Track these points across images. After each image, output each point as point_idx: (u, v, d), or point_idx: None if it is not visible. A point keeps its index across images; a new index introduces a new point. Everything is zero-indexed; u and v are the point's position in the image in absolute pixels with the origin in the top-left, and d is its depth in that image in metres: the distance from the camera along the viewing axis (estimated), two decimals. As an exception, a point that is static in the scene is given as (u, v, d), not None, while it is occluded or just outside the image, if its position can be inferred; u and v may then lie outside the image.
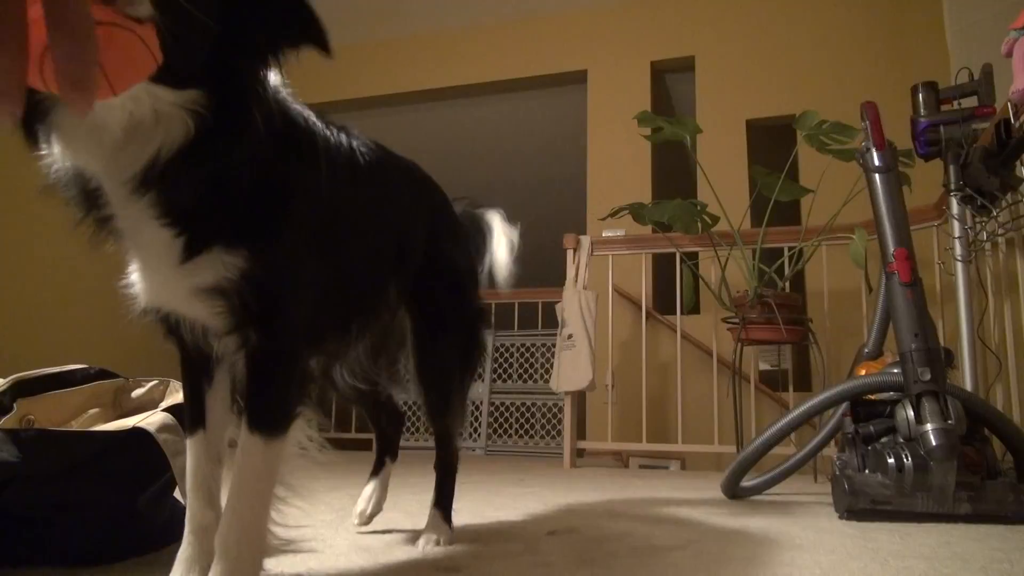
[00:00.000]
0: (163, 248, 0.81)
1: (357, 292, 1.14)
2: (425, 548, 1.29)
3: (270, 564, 1.15)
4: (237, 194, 0.83)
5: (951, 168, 2.44)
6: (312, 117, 1.01)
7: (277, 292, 0.86)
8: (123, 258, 0.89)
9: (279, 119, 0.89)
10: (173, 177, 0.76)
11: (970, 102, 2.44)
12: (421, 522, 1.66)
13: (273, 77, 0.85)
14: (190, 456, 0.97)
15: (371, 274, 1.17)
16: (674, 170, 5.25)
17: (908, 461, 1.82)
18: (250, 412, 0.87)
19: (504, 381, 5.10)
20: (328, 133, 1.03)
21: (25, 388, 1.27)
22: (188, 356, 0.98)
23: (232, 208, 0.83)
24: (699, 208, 3.66)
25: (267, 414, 0.88)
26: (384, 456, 1.58)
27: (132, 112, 0.72)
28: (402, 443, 5.20)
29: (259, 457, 0.87)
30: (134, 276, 0.89)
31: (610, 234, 4.31)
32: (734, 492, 2.28)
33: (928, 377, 1.86)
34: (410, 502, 2.06)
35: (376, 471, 1.57)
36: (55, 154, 0.77)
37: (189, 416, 0.98)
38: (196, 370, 0.99)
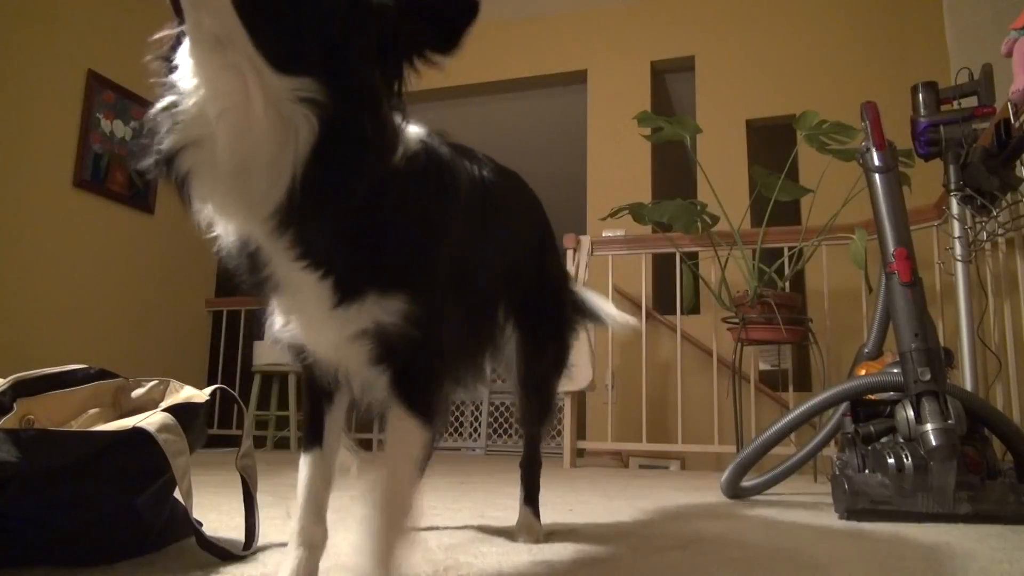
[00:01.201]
0: (313, 293, 0.81)
1: (481, 317, 1.18)
2: (527, 544, 1.34)
3: (266, 562, 1.15)
4: (384, 231, 0.81)
5: (951, 168, 2.44)
6: (447, 150, 1.00)
7: (427, 327, 0.86)
8: (278, 308, 0.91)
9: (429, 162, 0.90)
10: (310, 201, 0.70)
11: (970, 102, 2.44)
12: (421, 522, 1.66)
13: (417, 129, 0.87)
14: (304, 472, 0.98)
15: (493, 298, 1.22)
16: (674, 170, 5.24)
17: (908, 461, 1.82)
18: (405, 403, 0.88)
19: (504, 382, 5.09)
20: (459, 163, 1.03)
21: (25, 388, 1.27)
22: (312, 378, 0.99)
23: (379, 250, 0.82)
24: (699, 208, 3.66)
25: (419, 404, 0.89)
26: None
27: (246, 117, 0.67)
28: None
29: (411, 438, 0.88)
30: (285, 322, 0.89)
31: (610, 234, 4.30)
32: (734, 492, 2.28)
33: (928, 377, 1.86)
34: (410, 502, 2.06)
35: None
36: (221, 235, 0.81)
37: (307, 434, 1.01)
38: (318, 391, 1.00)
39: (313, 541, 0.97)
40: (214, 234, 0.82)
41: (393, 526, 0.86)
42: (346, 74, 0.70)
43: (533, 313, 1.33)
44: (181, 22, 0.70)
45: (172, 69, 0.71)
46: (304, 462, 0.99)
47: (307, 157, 0.68)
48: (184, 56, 0.70)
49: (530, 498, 1.46)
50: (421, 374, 0.90)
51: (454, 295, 0.96)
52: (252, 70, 0.66)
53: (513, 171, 1.33)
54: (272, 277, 0.82)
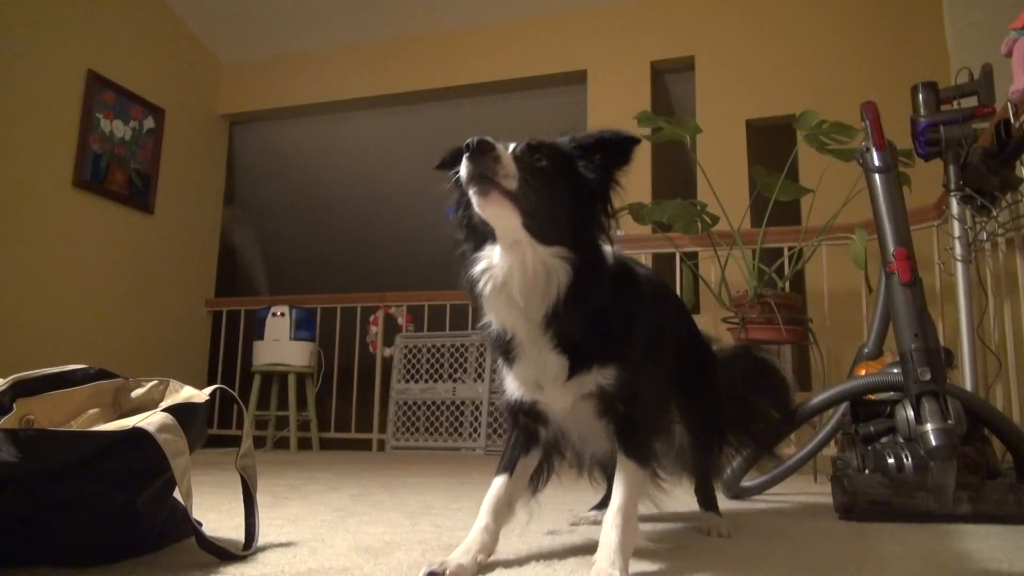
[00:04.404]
0: (556, 369, 1.17)
1: (664, 380, 1.45)
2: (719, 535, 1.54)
3: (266, 562, 1.15)
4: (602, 326, 1.18)
5: (951, 168, 2.44)
6: (632, 264, 1.41)
7: (636, 382, 1.20)
8: (515, 377, 1.25)
9: (622, 273, 1.29)
10: (565, 313, 1.12)
11: (970, 102, 2.44)
12: (421, 522, 1.66)
13: (609, 248, 1.22)
14: (494, 486, 1.25)
15: (667, 364, 1.48)
16: (674, 170, 5.24)
17: (908, 461, 1.82)
18: (624, 448, 1.20)
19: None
20: (636, 267, 1.44)
21: (25, 388, 1.27)
22: (527, 425, 1.30)
23: (599, 338, 1.18)
24: (699, 208, 3.65)
25: (636, 449, 1.20)
26: None
27: (528, 272, 1.11)
28: (402, 443, 5.21)
29: (631, 476, 1.17)
30: (516, 383, 1.25)
31: (610, 234, 4.28)
32: (734, 492, 2.28)
33: (928, 377, 1.86)
34: (409, 502, 2.06)
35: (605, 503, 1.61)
36: (490, 322, 1.19)
37: (505, 461, 1.30)
38: (525, 439, 1.31)
39: (487, 526, 1.19)
40: (484, 324, 1.21)
41: (624, 536, 1.12)
42: (581, 240, 1.15)
43: (687, 375, 1.58)
44: (469, 234, 1.19)
45: (479, 247, 1.17)
46: (497, 482, 1.25)
47: (564, 288, 1.12)
48: (491, 242, 1.15)
49: (707, 502, 1.71)
50: (634, 422, 1.20)
51: (650, 363, 1.28)
52: (529, 246, 1.11)
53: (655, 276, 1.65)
54: (519, 354, 1.20)
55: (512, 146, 1.15)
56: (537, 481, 1.34)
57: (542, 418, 1.27)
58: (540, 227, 1.10)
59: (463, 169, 1.07)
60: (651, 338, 1.35)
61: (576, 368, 1.17)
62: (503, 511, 1.22)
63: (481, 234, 1.16)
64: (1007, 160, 2.29)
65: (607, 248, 1.21)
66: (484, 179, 1.05)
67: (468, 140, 1.06)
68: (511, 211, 1.07)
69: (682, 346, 1.61)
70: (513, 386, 1.25)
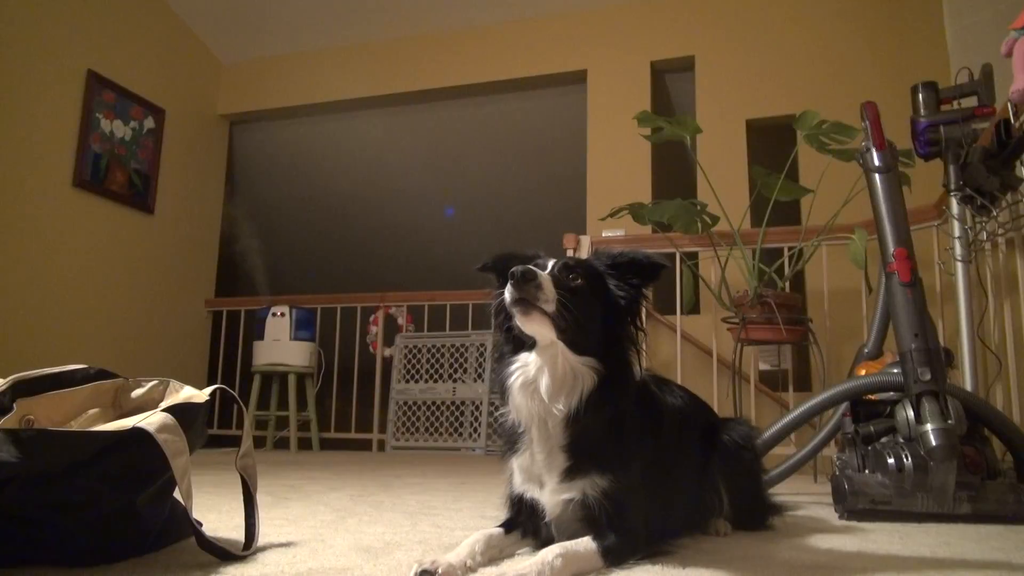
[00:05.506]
0: (557, 467, 1.26)
1: (672, 497, 1.46)
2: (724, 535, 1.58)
3: (266, 562, 1.15)
4: (612, 439, 1.26)
5: (951, 168, 2.44)
6: (653, 385, 1.49)
7: (618, 503, 1.23)
8: (520, 471, 1.33)
9: (645, 395, 1.39)
10: (584, 415, 1.21)
11: (970, 102, 2.44)
12: (421, 522, 1.66)
13: (636, 368, 1.30)
14: (487, 532, 1.27)
15: (684, 480, 1.53)
16: (674, 170, 5.24)
17: (908, 461, 1.82)
18: (594, 540, 1.19)
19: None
20: (660, 393, 1.51)
21: (25, 388, 1.27)
22: (528, 521, 1.32)
23: (605, 449, 1.25)
24: (699, 208, 3.65)
25: (603, 544, 1.18)
26: None
27: (557, 372, 1.22)
28: (402, 443, 5.22)
29: (586, 551, 1.16)
30: (519, 476, 1.33)
31: (610, 234, 4.30)
32: (734, 492, 2.27)
33: (928, 377, 1.86)
34: (409, 502, 2.06)
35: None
36: (507, 412, 1.29)
37: (507, 521, 1.34)
38: (524, 528, 1.33)
39: (476, 545, 1.21)
40: (501, 413, 1.32)
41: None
42: (610, 351, 1.26)
43: (716, 456, 1.61)
44: (509, 338, 1.30)
45: (517, 350, 1.28)
46: (494, 532, 1.28)
47: (588, 393, 1.22)
48: (527, 349, 1.26)
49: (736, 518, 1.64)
50: (610, 533, 1.21)
51: (645, 487, 1.30)
52: (560, 352, 1.22)
53: (691, 393, 1.69)
54: (523, 447, 1.30)
55: (550, 264, 1.27)
56: None
57: (542, 516, 1.29)
58: (573, 338, 1.22)
59: (508, 293, 1.18)
60: (660, 468, 1.38)
61: (573, 470, 1.24)
62: (494, 547, 1.25)
63: (519, 340, 1.28)
64: (1007, 160, 2.29)
65: (635, 367, 1.29)
66: (527, 303, 1.17)
67: (514, 269, 1.17)
68: (549, 327, 1.20)
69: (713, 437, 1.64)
70: (519, 479, 1.33)
